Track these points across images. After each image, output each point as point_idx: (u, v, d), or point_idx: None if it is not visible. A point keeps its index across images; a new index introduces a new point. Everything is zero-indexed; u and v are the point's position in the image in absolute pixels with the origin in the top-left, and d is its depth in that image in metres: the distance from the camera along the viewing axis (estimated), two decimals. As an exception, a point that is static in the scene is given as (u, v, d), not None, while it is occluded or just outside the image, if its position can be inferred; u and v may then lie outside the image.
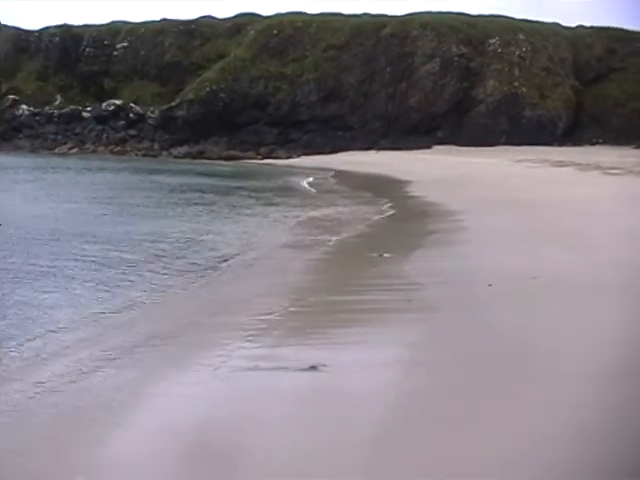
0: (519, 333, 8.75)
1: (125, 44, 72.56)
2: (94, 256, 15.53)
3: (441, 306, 10.36)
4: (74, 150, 65.43)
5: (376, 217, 23.37)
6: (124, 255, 15.80)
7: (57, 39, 73.67)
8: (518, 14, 70.03)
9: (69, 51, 72.77)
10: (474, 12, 69.40)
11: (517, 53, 63.13)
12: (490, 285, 11.25)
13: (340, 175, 42.50)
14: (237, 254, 16.24)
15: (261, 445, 5.90)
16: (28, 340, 9.43)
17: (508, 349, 8.12)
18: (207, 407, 6.83)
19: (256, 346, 8.68)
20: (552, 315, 9.55)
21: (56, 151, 65.12)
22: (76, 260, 15.10)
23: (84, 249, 16.43)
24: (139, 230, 19.74)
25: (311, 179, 40.97)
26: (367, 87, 62.28)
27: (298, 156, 58.32)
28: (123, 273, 13.82)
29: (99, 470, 5.69)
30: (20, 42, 75.49)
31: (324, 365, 7.66)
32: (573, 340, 8.29)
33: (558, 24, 68.58)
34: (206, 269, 14.31)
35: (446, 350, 8.40)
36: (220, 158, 59.03)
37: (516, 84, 61.85)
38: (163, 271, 14.03)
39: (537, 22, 67.73)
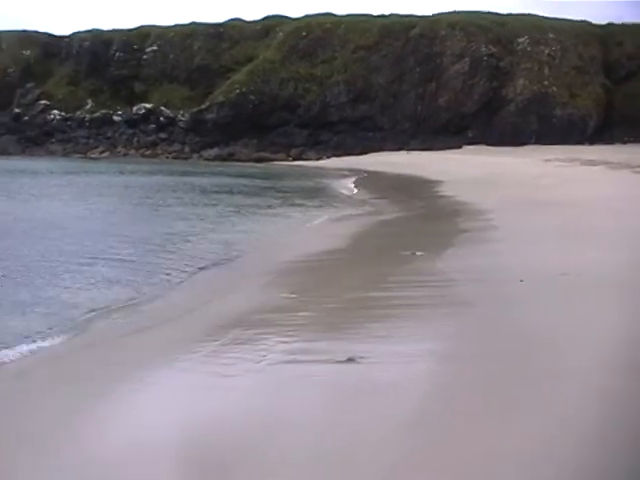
0: (550, 329, 8.94)
1: (154, 48, 73.17)
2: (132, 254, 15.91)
3: (474, 301, 10.54)
4: (105, 154, 66.13)
5: (407, 216, 23.57)
6: (160, 255, 16.16)
7: (87, 44, 74.46)
8: (547, 12, 70.01)
9: (99, 56, 73.49)
10: (503, 11, 69.43)
11: (546, 52, 63.01)
12: (522, 281, 11.44)
13: (371, 176, 42.72)
14: (272, 255, 16.52)
15: (305, 431, 6.17)
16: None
17: (539, 344, 8.31)
18: (252, 397, 7.10)
19: (295, 340, 8.94)
20: (582, 311, 9.74)
21: (88, 155, 65.83)
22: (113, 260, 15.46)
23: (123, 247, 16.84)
24: (175, 230, 20.13)
25: (343, 180, 41.25)
26: (396, 87, 62.43)
27: (328, 157, 58.61)
28: (159, 273, 14.14)
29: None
30: (51, 48, 76.41)
31: (361, 357, 7.90)
32: (602, 335, 8.47)
33: (588, 22, 68.31)
34: (243, 269, 14.57)
35: (479, 344, 8.59)
36: (250, 160, 59.44)
37: (546, 83, 61.74)
38: (200, 271, 14.34)
39: (566, 20, 67.47)
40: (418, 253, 14.94)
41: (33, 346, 9.98)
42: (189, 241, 18.58)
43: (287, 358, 8.19)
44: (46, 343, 10.18)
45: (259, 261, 15.71)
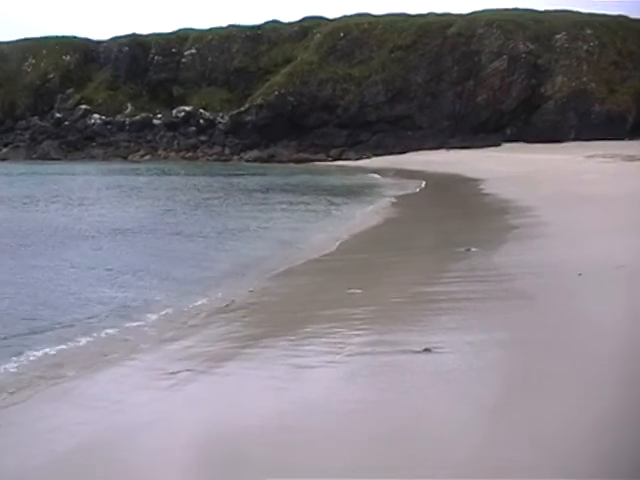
0: (610, 318, 9.33)
1: (193, 51, 73.89)
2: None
3: (535, 294, 10.95)
4: (147, 157, 66.89)
5: (455, 213, 23.95)
6: (224, 254, 16.72)
7: (126, 48, 75.35)
8: (584, 7, 69.80)
9: (138, 60, 74.36)
10: (540, 8, 69.35)
11: (585, 48, 62.91)
12: (580, 274, 11.80)
13: (414, 175, 42.97)
14: (327, 252, 16.99)
15: (392, 414, 6.64)
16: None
17: (601, 333, 8.70)
18: (335, 385, 7.56)
19: (368, 333, 9.40)
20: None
21: (129, 158, 66.66)
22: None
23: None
24: (229, 226, 20.79)
25: (386, 179, 41.66)
26: (434, 86, 62.66)
27: (368, 157, 58.95)
28: (227, 271, 14.67)
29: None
30: (90, 53, 77.42)
31: (436, 347, 8.34)
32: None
33: (625, 16, 68.05)
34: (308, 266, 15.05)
35: (543, 333, 9.00)
36: (290, 161, 59.96)
37: (584, 79, 61.65)
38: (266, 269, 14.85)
39: (604, 15, 67.28)
40: (473, 249, 15.34)
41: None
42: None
43: (365, 350, 8.64)
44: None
45: (322, 257, 16.17)
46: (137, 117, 70.23)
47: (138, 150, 68.24)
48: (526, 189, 28.32)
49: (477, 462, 5.66)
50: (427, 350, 8.30)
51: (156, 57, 73.95)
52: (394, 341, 8.92)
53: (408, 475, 5.57)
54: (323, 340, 9.29)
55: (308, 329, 9.92)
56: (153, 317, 11.46)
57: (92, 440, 6.61)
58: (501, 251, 15.08)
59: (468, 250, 15.36)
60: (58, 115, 71.79)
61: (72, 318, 11.37)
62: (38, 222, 23.51)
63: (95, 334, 10.48)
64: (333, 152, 61.37)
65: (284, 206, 27.48)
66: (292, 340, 9.52)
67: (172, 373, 8.38)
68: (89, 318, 11.38)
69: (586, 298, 10.48)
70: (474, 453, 5.87)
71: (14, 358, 9.36)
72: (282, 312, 11.45)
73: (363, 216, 24.77)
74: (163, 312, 11.74)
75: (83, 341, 10.17)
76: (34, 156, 67.50)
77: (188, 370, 8.46)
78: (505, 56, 61.95)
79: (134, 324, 11.09)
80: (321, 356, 8.60)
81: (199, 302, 12.37)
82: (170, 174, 47.90)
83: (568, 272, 12.09)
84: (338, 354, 8.57)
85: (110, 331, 10.67)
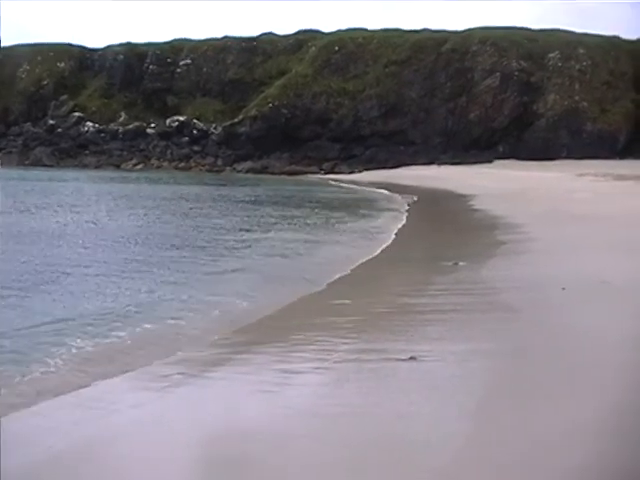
0: (592, 331, 9.61)
1: (188, 61, 74.23)
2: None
3: (519, 308, 11.20)
4: (139, 166, 67.00)
5: (444, 228, 24.21)
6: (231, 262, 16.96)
7: (121, 57, 75.66)
8: (578, 28, 70.39)
9: (133, 68, 74.65)
10: (535, 27, 69.91)
11: (577, 67, 63.50)
12: (564, 289, 12.06)
13: (406, 190, 43.22)
14: (330, 265, 17.16)
15: (380, 419, 6.86)
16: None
17: (583, 346, 8.97)
18: (322, 390, 7.78)
19: (356, 341, 9.63)
20: (621, 315, 10.41)
21: (122, 167, 66.73)
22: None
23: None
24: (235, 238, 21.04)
25: (380, 192, 41.90)
26: (428, 102, 63.10)
27: (360, 171, 59.25)
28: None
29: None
30: (85, 60, 77.67)
31: (421, 356, 8.58)
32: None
33: (618, 37, 68.73)
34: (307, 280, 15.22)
35: (526, 344, 9.29)
36: (283, 173, 60.26)
37: (576, 98, 62.19)
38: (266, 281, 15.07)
39: (597, 36, 67.92)
40: (461, 263, 15.60)
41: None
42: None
43: (352, 357, 8.87)
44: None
45: (312, 272, 16.36)
46: (131, 126, 70.39)
47: (131, 159, 68.37)
48: (517, 206, 28.59)
49: (460, 465, 5.88)
50: (412, 358, 8.52)
51: (151, 66, 74.24)
52: (380, 349, 9.16)
53: (393, 477, 5.78)
54: (311, 347, 9.51)
55: (295, 337, 10.15)
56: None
57: (87, 440, 6.79)
58: (488, 265, 15.33)
59: (456, 264, 15.61)
60: (51, 122, 71.93)
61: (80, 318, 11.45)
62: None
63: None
64: (326, 165, 61.70)
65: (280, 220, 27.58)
66: (281, 347, 9.73)
67: (164, 376, 8.58)
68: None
69: (568, 312, 10.75)
70: (457, 456, 6.10)
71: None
72: (274, 322, 11.65)
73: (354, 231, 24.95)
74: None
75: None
76: (26, 162, 67.57)
77: (180, 374, 8.66)
78: (498, 73, 62.48)
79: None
80: (308, 362, 8.82)
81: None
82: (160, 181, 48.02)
83: (552, 286, 12.35)
84: (325, 361, 8.79)
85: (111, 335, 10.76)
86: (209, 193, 40.59)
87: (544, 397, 7.30)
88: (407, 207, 33.84)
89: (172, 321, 11.39)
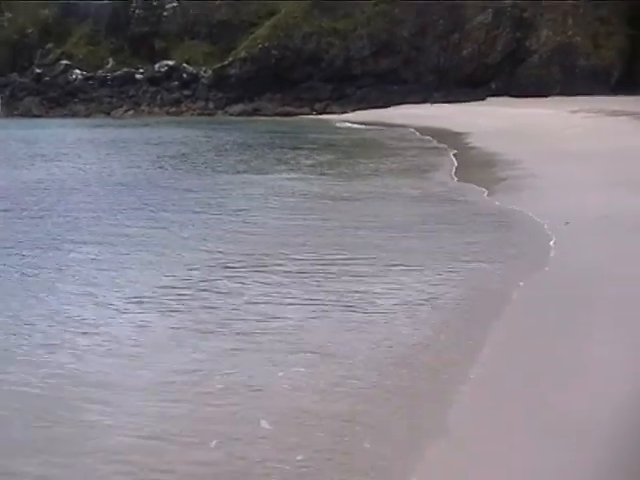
0: (597, 262, 9.65)
1: (174, 4, 73.02)
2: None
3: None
4: (130, 112, 66.29)
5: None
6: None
7: (106, 1, 74.44)
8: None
9: (118, 13, 73.45)
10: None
11: (570, 2, 62.59)
12: (567, 223, 12.02)
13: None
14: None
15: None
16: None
17: (588, 275, 9.01)
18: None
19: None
20: (625, 247, 10.45)
21: (112, 114, 66.07)
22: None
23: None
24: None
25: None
26: (420, 40, 62.35)
27: (352, 111, 58.74)
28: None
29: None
30: (69, 6, 76.33)
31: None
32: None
33: (613, -30, 67.70)
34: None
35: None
36: (275, 115, 59.68)
37: (570, 33, 61.46)
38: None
39: (591, -31, 66.89)
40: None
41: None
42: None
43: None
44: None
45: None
46: (119, 72, 69.51)
47: (121, 106, 67.59)
48: (511, 143, 28.43)
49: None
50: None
51: (137, 11, 73.04)
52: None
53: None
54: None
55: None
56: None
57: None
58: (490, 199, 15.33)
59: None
60: (38, 71, 70.97)
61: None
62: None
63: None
64: (317, 106, 61.15)
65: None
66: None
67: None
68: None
69: (571, 243, 10.77)
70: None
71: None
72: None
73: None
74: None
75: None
76: (15, 113, 66.85)
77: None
78: (490, 9, 61.66)
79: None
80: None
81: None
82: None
83: (556, 220, 12.34)
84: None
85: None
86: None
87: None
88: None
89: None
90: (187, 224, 14.20)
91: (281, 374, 6.69)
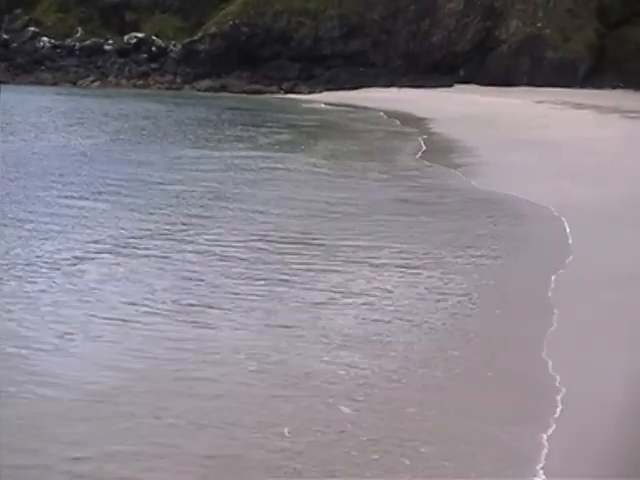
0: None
1: (147, -24, 72.11)
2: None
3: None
4: (96, 83, 65.41)
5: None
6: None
7: (77, -31, 73.23)
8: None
9: (89, -18, 72.41)
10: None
11: (542, -7, 62.84)
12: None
13: (365, 111, 42.82)
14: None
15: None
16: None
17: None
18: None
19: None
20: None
21: (78, 84, 65.19)
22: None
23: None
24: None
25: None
26: (390, 24, 62.23)
27: (320, 92, 58.52)
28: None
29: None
30: (39, -28, 75.14)
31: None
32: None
33: (584, -36, 67.93)
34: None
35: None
36: (242, 92, 59.21)
37: (539, 25, 61.66)
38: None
39: (563, -38, 67.09)
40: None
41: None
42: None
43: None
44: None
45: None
46: (88, 42, 68.56)
47: (88, 76, 66.70)
48: (473, 131, 28.62)
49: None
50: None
51: (108, -21, 72.03)
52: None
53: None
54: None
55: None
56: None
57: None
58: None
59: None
60: (5, 36, 69.77)
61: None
62: None
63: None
64: (285, 85, 60.85)
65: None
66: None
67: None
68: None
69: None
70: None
71: None
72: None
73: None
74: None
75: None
76: (-20, 78, 65.70)
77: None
78: (462, -3, 61.72)
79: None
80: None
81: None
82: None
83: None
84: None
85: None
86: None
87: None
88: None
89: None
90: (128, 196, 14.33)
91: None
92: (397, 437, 5.51)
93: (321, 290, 8.82)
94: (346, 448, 5.37)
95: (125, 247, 10.74)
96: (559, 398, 6.07)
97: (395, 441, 5.47)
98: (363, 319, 7.85)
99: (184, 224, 12.03)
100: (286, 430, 5.59)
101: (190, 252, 10.50)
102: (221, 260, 10.09)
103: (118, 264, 9.78)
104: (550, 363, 6.72)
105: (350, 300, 8.40)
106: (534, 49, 60.76)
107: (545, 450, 5.33)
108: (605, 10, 63.95)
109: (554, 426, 5.66)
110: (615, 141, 23.48)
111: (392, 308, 8.20)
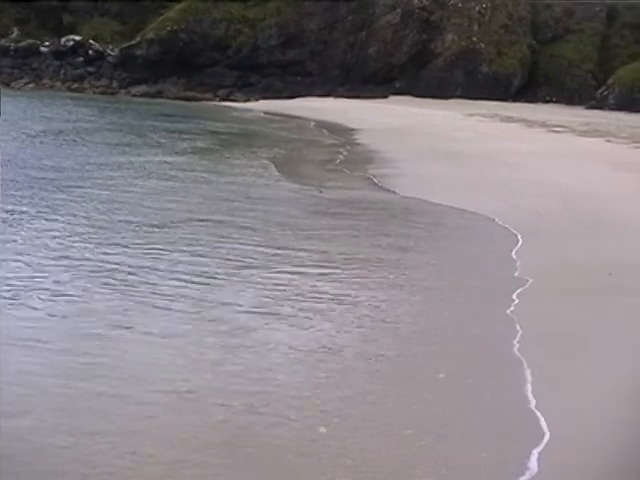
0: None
1: (86, -21, 71.45)
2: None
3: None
4: (30, 85, 64.56)
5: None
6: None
7: (13, -30, 72.20)
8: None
9: (26, -17, 71.48)
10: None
11: (477, 9, 63.73)
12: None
13: (296, 120, 42.94)
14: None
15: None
16: None
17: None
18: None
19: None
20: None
21: (11, 86, 64.22)
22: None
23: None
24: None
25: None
26: (328, 34, 62.56)
27: (256, 100, 58.50)
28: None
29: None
30: (-27, -29, 73.94)
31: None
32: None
33: (519, -18, 69.15)
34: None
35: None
36: (178, 98, 58.81)
37: (474, 39, 62.56)
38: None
39: (499, -21, 68.18)
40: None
41: None
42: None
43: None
44: None
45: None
46: (23, 43, 67.69)
47: (22, 77, 65.86)
48: (398, 142, 28.90)
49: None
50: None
51: (46, -19, 71.23)
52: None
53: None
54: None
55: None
56: None
57: None
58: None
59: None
60: (-64, 34, 68.57)
61: None
62: None
63: None
64: (221, 92, 60.62)
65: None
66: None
67: None
68: None
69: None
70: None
71: None
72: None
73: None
74: None
75: None
76: None
77: None
78: (399, 10, 62.27)
79: None
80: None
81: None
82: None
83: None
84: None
85: None
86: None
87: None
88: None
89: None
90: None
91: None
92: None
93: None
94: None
95: None
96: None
97: None
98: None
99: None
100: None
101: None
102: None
103: None
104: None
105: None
106: (469, 63, 61.61)
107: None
108: (539, 27, 65.35)
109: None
110: (530, 154, 23.94)
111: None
